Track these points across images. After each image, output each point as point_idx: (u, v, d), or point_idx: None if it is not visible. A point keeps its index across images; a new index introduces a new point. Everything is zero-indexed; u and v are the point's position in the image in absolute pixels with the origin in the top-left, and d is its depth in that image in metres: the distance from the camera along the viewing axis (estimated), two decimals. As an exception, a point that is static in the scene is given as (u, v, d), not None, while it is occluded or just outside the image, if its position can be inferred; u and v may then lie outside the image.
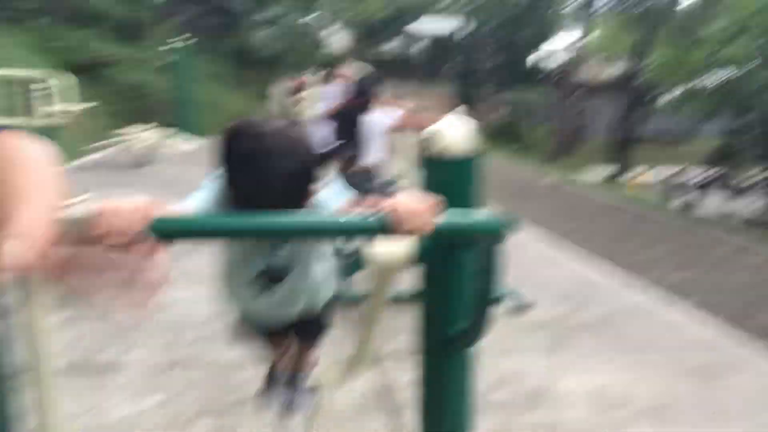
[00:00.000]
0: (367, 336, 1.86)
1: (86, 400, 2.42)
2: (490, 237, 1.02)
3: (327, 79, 5.15)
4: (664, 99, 22.11)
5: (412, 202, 0.89)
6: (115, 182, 7.68)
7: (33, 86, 5.01)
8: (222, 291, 1.53)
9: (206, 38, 22.23)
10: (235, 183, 1.13)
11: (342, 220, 0.89)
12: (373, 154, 3.88)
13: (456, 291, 1.30)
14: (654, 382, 2.90)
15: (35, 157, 0.68)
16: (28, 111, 5.00)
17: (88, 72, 13.52)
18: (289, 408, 1.80)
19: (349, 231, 0.91)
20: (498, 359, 3.01)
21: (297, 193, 1.12)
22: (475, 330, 1.17)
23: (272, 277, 1.39)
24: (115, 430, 2.25)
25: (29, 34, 12.67)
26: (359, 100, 3.94)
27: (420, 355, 1.37)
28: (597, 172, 17.70)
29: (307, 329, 1.64)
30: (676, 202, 16.02)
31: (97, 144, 9.92)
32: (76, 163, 9.30)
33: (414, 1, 30.38)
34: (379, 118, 3.85)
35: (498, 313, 1.13)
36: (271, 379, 1.81)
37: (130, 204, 0.75)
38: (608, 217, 8.85)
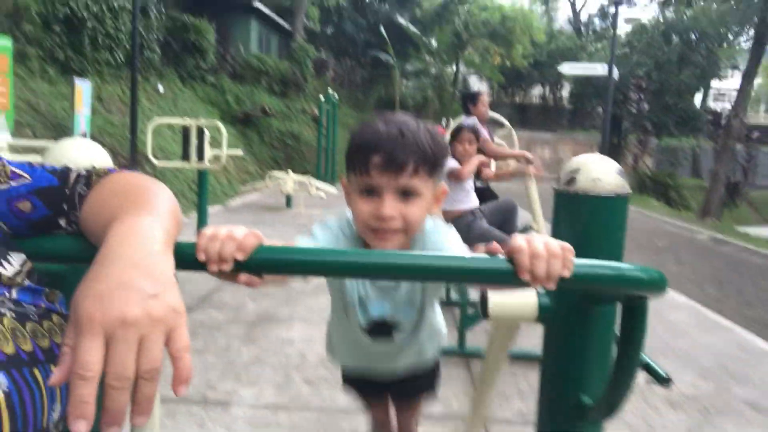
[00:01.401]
0: (482, 397, 1.72)
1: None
2: (637, 292, 0.87)
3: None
4: None
5: (543, 244, 0.75)
6: (257, 221, 8.25)
7: (206, 133, 5.68)
8: (328, 341, 1.49)
9: (355, 90, 23.66)
10: (364, 163, 1.09)
11: (460, 260, 0.79)
12: (454, 202, 3.79)
13: (590, 353, 1.15)
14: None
15: (153, 187, 0.72)
16: (200, 155, 5.62)
17: (247, 122, 14.95)
18: None
19: (467, 273, 0.79)
20: (624, 438, 2.71)
21: (433, 165, 1.11)
22: (612, 401, 1.01)
23: (381, 328, 1.29)
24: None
25: (202, 88, 14.32)
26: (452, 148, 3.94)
27: (541, 425, 1.21)
28: (761, 230, 15.78)
29: (415, 387, 1.54)
30: None
31: (245, 187, 10.79)
32: (225, 203, 10.16)
33: (563, 45, 29.76)
34: (452, 166, 3.81)
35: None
36: None
37: (227, 231, 0.74)
38: (769, 281, 7.81)
